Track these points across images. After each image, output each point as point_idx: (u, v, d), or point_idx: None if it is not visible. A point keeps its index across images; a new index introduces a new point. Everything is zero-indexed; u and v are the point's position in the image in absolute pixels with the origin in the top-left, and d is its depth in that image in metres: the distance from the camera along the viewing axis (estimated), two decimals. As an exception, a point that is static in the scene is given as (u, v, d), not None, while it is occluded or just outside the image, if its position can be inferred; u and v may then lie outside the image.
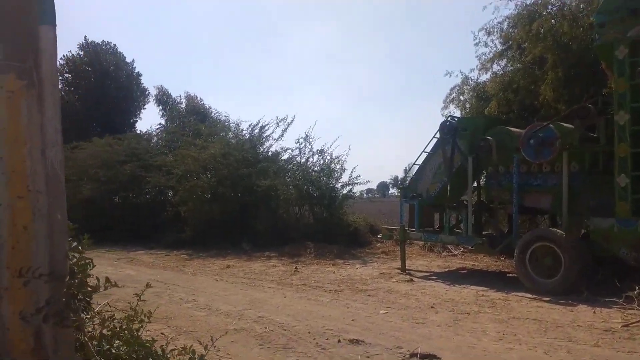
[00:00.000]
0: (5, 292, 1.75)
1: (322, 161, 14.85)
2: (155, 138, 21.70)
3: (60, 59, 29.62)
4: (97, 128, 26.56)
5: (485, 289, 8.05)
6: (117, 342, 2.46)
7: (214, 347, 5.18)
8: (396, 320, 6.19)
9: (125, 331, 3.54)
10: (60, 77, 29.89)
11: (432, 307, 6.89)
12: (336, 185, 14.51)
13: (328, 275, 9.70)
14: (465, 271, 10.26)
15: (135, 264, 12.38)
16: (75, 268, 2.04)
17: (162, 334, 5.69)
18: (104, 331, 3.19)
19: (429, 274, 9.90)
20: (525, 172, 8.60)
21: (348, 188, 14.61)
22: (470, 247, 9.92)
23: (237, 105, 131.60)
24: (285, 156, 16.15)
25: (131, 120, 30.09)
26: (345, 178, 14.65)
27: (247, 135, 16.65)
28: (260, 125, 16.39)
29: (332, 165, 14.58)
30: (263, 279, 9.49)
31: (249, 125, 16.78)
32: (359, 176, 14.66)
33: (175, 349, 2.97)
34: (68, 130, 26.24)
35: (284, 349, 5.05)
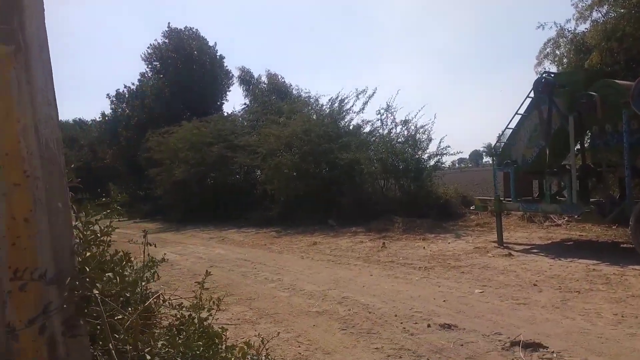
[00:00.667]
0: (8, 296, 1.49)
1: (406, 132, 14.16)
2: (240, 118, 21.98)
3: (148, 47, 30.75)
4: (187, 112, 27.44)
5: (596, 262, 7.14)
6: (161, 342, 2.17)
7: (292, 331, 4.94)
8: (493, 300, 5.58)
9: (195, 320, 3.31)
10: (150, 65, 31.10)
11: (534, 284, 6.17)
12: (422, 157, 13.77)
13: (417, 251, 9.16)
14: (571, 243, 9.27)
15: (226, 243, 12.57)
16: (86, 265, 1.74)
17: (236, 319, 5.52)
18: (173, 321, 2.99)
19: (529, 247, 9.04)
20: (637, 129, 7.46)
21: (436, 159, 13.82)
22: (576, 216, 8.88)
23: (319, 82, 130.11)
24: (367, 129, 15.63)
25: (218, 103, 30.70)
26: (432, 148, 13.88)
27: (327, 110, 16.29)
28: (339, 98, 15.97)
29: (418, 135, 13.83)
30: (349, 256, 9.16)
31: (329, 100, 16.42)
32: (449, 146, 13.81)
33: (237, 346, 2.65)
34: (161, 116, 27.38)
35: (367, 335, 4.67)
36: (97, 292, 1.65)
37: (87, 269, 1.70)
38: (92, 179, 38.27)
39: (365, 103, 15.61)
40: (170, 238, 14.72)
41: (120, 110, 32.93)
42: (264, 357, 2.70)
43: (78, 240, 1.87)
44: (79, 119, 57.25)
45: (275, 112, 18.24)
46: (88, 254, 1.80)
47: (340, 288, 6.64)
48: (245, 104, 25.05)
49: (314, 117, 16.26)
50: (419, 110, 14.29)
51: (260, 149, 16.16)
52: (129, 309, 2.17)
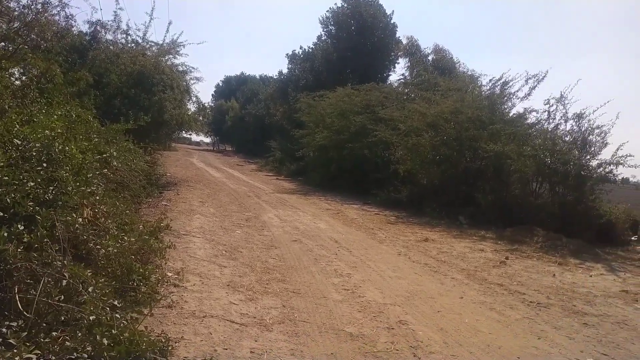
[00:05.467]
0: None
1: (576, 130, 11.49)
2: (393, 91, 20.65)
3: (327, 11, 30.67)
4: (353, 80, 26.85)
5: None
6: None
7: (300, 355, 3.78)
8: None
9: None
10: (326, 29, 31.04)
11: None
12: (590, 163, 11.03)
13: (542, 279, 7.19)
14: None
15: (335, 218, 11.68)
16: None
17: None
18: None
19: None
20: None
21: (608, 168, 10.96)
22: None
23: (494, 65, 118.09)
24: (530, 119, 13.16)
25: (385, 74, 29.69)
26: (606, 155, 11.00)
27: (486, 92, 14.15)
28: (502, 80, 13.69)
29: (590, 137, 11.09)
30: (453, 266, 7.57)
31: (489, 81, 14.24)
32: (630, 155, 10.75)
33: None
34: (327, 81, 27.13)
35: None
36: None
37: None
38: (265, 133, 40.62)
39: (533, 88, 13.13)
40: (291, 201, 14.29)
41: (293, 70, 33.83)
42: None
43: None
44: (264, 75, 61.02)
45: (432, 89, 16.55)
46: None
47: (409, 306, 5.26)
48: (403, 75, 23.54)
49: (470, 97, 14.19)
50: (601, 106, 11.29)
51: (401, 125, 14.77)
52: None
